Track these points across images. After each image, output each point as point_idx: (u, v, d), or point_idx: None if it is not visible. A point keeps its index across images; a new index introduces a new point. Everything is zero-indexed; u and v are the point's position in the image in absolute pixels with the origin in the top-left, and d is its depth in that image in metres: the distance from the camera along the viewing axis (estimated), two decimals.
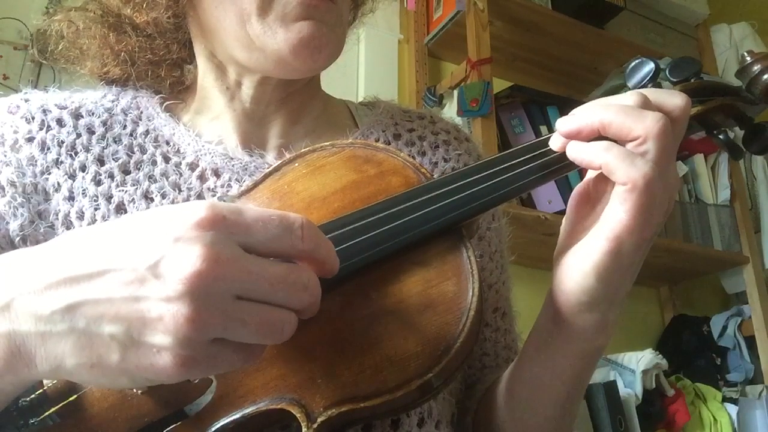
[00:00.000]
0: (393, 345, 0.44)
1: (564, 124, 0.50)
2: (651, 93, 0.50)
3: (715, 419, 1.79)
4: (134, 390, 0.45)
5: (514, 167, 0.51)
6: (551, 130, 2.03)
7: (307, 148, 0.55)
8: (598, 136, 0.49)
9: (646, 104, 0.48)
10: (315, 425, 0.43)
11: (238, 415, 0.44)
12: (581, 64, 2.13)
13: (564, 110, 2.03)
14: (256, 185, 0.54)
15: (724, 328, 2.03)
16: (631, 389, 1.68)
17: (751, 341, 1.97)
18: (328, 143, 0.55)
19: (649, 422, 1.69)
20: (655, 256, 1.89)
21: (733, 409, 1.81)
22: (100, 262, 0.37)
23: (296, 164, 0.54)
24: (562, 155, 0.50)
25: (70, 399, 0.45)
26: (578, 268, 0.48)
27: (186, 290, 0.35)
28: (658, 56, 2.05)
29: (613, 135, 0.47)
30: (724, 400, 1.85)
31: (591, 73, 2.15)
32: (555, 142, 0.51)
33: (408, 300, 0.46)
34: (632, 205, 0.45)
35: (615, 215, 0.45)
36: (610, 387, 1.62)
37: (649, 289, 2.24)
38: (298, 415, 0.43)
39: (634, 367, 1.70)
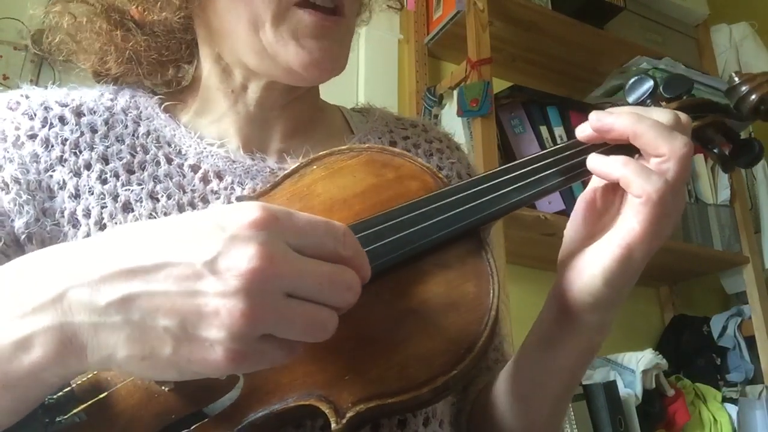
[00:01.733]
0: (418, 343, 0.46)
1: (598, 119, 0.53)
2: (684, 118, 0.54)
3: (715, 419, 1.79)
4: (161, 387, 0.45)
5: (530, 174, 0.54)
6: (551, 130, 2.02)
7: (324, 152, 0.56)
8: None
9: (678, 125, 0.52)
10: (344, 421, 0.44)
11: (265, 412, 0.45)
12: (581, 64, 2.13)
13: (564, 110, 2.03)
14: (274, 187, 0.55)
15: (724, 328, 2.03)
16: (631, 389, 1.68)
17: (751, 341, 1.97)
18: (345, 147, 0.56)
19: (649, 422, 1.69)
20: (655, 256, 1.89)
21: (733, 409, 1.81)
22: (157, 256, 0.37)
23: (314, 167, 0.55)
24: (579, 162, 0.54)
25: (99, 397, 0.45)
26: (587, 271, 0.51)
27: (242, 286, 0.36)
28: (658, 56, 2.05)
29: (640, 146, 0.51)
30: (724, 400, 1.85)
31: (591, 73, 2.15)
32: (582, 131, 0.55)
33: (431, 300, 0.48)
34: (645, 217, 0.48)
35: (628, 225, 0.49)
36: (610, 387, 1.62)
37: (649, 289, 2.24)
38: (327, 411, 0.44)
39: (634, 367, 1.70)
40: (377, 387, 0.45)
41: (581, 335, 0.55)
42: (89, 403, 0.45)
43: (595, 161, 0.52)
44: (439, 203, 0.51)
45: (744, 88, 0.63)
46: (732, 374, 1.98)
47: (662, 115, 0.53)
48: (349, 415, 0.44)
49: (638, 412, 1.65)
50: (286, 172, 0.55)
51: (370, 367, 0.46)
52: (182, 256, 0.37)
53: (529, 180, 0.53)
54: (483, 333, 0.47)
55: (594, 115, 0.53)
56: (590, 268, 0.51)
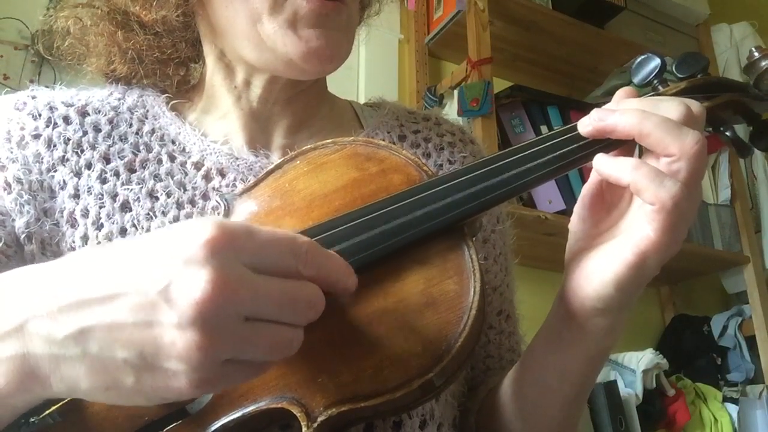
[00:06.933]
0: (394, 344, 0.44)
1: (600, 118, 0.49)
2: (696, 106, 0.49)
3: (715, 419, 1.79)
4: None
5: (515, 165, 0.50)
6: (551, 129, 2.02)
7: (309, 146, 0.54)
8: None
9: (689, 118, 0.48)
10: (315, 425, 0.43)
11: (238, 414, 0.44)
12: (581, 64, 2.13)
13: (564, 110, 2.03)
14: (257, 183, 0.54)
15: (725, 327, 2.03)
16: (631, 389, 1.68)
17: (751, 341, 1.97)
18: (329, 141, 0.54)
19: (649, 422, 1.69)
20: None
21: (733, 408, 1.81)
22: (111, 285, 0.36)
23: (297, 162, 0.54)
24: (563, 154, 0.50)
25: (71, 398, 0.45)
26: (598, 276, 0.48)
27: (196, 316, 0.34)
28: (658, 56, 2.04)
29: (647, 146, 0.47)
30: (725, 399, 1.85)
31: (591, 73, 2.15)
32: (585, 127, 0.50)
33: (409, 299, 0.46)
34: (660, 224, 0.44)
35: (642, 231, 0.45)
36: (611, 387, 1.62)
37: (649, 289, 2.24)
38: (298, 415, 0.43)
39: (635, 366, 1.70)
40: (350, 390, 0.43)
41: (590, 339, 0.52)
42: (62, 403, 0.44)
43: (602, 162, 0.48)
44: (417, 197, 0.48)
45: (764, 63, 0.57)
46: (732, 374, 1.98)
47: (671, 107, 0.48)
48: (320, 419, 0.43)
49: (639, 411, 1.65)
50: (270, 167, 0.54)
51: (344, 369, 0.44)
52: (136, 285, 0.36)
53: (514, 171, 0.50)
54: (462, 333, 0.44)
55: (596, 114, 0.49)
56: (601, 273, 0.48)
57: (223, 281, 0.35)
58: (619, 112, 0.49)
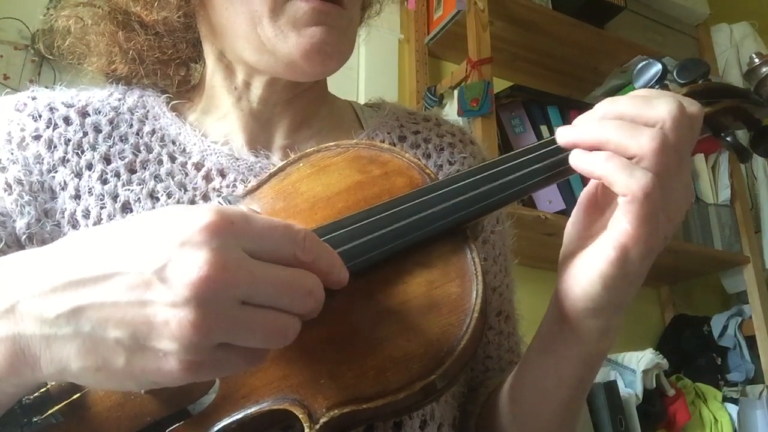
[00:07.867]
0: (396, 346, 0.44)
1: (564, 136, 0.50)
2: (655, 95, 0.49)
3: (715, 419, 1.79)
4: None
5: (519, 168, 0.50)
6: (552, 129, 2.02)
7: (312, 149, 0.55)
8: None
9: (681, 115, 0.47)
10: (317, 426, 0.43)
11: (240, 415, 0.44)
12: (581, 64, 2.13)
13: (564, 110, 2.02)
14: (260, 185, 0.54)
15: (725, 327, 2.03)
16: (631, 389, 1.68)
17: (751, 341, 1.97)
18: (332, 143, 0.55)
19: (649, 422, 1.68)
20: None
21: (733, 408, 1.81)
22: (106, 265, 0.36)
23: (301, 164, 0.54)
24: (566, 158, 0.50)
25: (74, 398, 0.45)
26: (584, 275, 0.48)
27: (192, 296, 0.34)
28: (658, 56, 2.04)
29: (613, 151, 0.47)
30: (725, 399, 1.84)
31: (591, 73, 2.15)
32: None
33: (412, 301, 0.46)
34: (634, 216, 0.45)
35: (619, 225, 0.46)
36: (611, 387, 1.62)
37: (649, 289, 2.24)
38: (300, 416, 0.43)
39: (635, 366, 1.70)
40: (352, 391, 0.43)
41: (585, 341, 0.52)
42: (65, 403, 0.45)
43: (576, 158, 0.49)
44: (420, 200, 0.49)
45: (765, 70, 0.58)
46: (732, 374, 1.98)
47: (662, 102, 0.47)
48: (323, 420, 0.43)
49: (639, 411, 1.65)
50: (273, 169, 0.55)
51: (346, 370, 0.44)
52: (132, 265, 0.36)
53: (518, 174, 0.50)
54: (464, 336, 0.44)
55: (560, 137, 0.50)
56: (587, 272, 0.48)
57: (221, 263, 0.35)
58: (578, 128, 0.49)
